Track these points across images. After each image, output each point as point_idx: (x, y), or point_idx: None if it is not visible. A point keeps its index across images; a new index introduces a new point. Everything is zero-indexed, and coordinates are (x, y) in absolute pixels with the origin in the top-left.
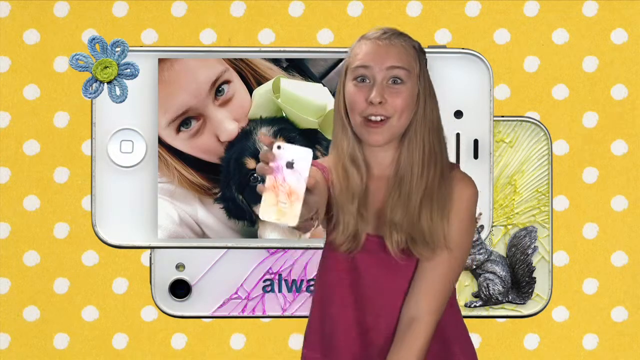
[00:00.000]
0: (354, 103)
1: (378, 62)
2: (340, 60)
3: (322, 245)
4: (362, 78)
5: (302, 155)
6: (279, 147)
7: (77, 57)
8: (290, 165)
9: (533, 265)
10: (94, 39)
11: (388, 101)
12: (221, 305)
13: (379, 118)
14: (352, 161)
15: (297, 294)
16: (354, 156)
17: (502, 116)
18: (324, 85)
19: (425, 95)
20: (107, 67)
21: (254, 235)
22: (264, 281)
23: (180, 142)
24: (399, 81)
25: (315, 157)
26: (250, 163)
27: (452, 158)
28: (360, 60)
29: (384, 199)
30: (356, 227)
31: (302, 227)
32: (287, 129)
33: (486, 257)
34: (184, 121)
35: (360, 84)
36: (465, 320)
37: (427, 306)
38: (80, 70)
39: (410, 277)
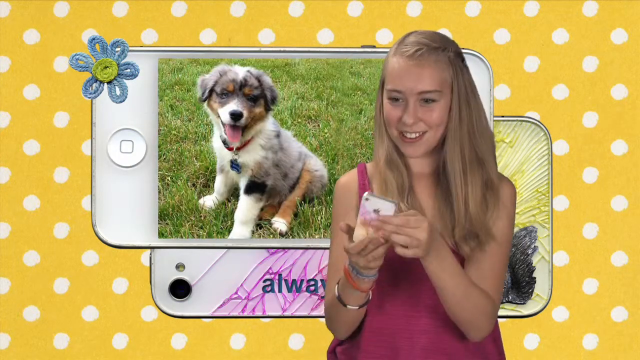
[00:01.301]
0: (389, 119)
1: (409, 86)
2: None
3: (320, 245)
4: (395, 98)
5: (386, 207)
6: (366, 199)
7: (77, 57)
8: (377, 212)
9: (533, 265)
10: (94, 39)
11: (422, 119)
12: (221, 305)
13: (414, 135)
14: (389, 166)
15: (297, 294)
16: (392, 160)
17: (502, 116)
18: None
19: (460, 102)
20: (107, 67)
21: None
22: (264, 281)
23: None
24: (431, 101)
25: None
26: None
27: None
28: (392, 83)
29: (432, 198)
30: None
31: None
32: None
33: None
34: None
35: (394, 102)
36: None
37: (492, 286)
38: (80, 70)
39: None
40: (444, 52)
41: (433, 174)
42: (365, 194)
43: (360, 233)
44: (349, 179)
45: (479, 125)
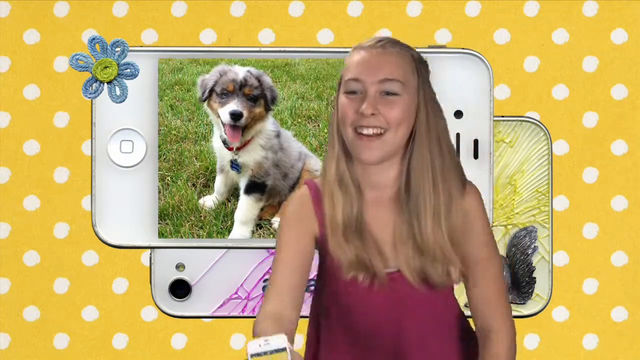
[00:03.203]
0: (344, 115)
1: (370, 74)
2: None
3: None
4: (353, 91)
5: None
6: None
7: (77, 57)
8: None
9: (533, 265)
10: (94, 39)
11: (381, 112)
12: (221, 305)
13: (371, 131)
14: (339, 184)
15: None
16: (342, 178)
17: (502, 116)
18: None
19: (427, 107)
20: (107, 67)
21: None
22: (264, 281)
23: None
24: (393, 93)
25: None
26: None
27: None
28: (351, 72)
29: (390, 226)
30: (363, 261)
31: None
32: None
33: None
34: None
35: (351, 96)
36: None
37: (498, 311)
38: (80, 70)
39: (435, 310)
40: (407, 50)
41: (392, 196)
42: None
43: None
44: (301, 195)
45: (447, 137)
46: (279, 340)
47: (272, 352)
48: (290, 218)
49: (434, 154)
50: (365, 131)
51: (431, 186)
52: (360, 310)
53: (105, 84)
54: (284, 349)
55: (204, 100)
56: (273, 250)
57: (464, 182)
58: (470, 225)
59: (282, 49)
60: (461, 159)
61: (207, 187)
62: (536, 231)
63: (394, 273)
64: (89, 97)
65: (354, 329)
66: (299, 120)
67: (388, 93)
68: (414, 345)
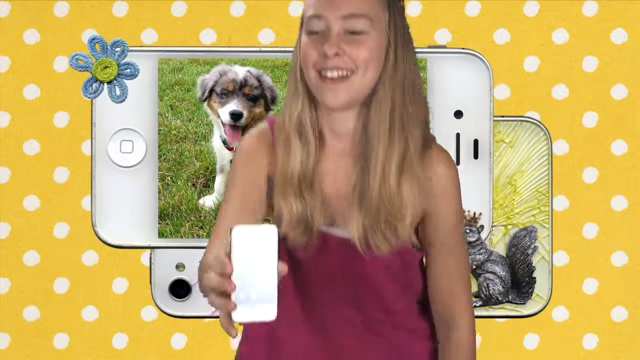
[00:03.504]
0: (306, 56)
1: (332, 9)
2: None
3: None
4: (315, 31)
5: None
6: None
7: (77, 57)
8: None
9: (533, 265)
10: (94, 39)
11: (347, 52)
12: None
13: (336, 74)
14: (299, 131)
15: None
16: (302, 124)
17: (502, 116)
18: None
19: (397, 47)
20: (107, 67)
21: None
22: None
23: None
24: (359, 32)
25: None
26: None
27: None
28: (313, 8)
29: (346, 180)
30: (305, 217)
31: None
32: None
33: (486, 257)
34: None
35: (313, 35)
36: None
37: (462, 303)
38: (80, 70)
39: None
40: None
41: (352, 147)
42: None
43: None
44: (261, 131)
45: (415, 82)
46: (269, 227)
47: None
48: (246, 154)
49: (396, 102)
50: (329, 74)
51: (386, 138)
52: (308, 265)
53: (105, 84)
54: (273, 230)
55: (204, 100)
56: None
57: (427, 143)
58: (435, 205)
59: (282, 49)
60: (461, 159)
61: (207, 187)
62: (536, 231)
63: (340, 238)
64: (89, 97)
65: (303, 281)
66: None
67: (354, 32)
68: (373, 303)
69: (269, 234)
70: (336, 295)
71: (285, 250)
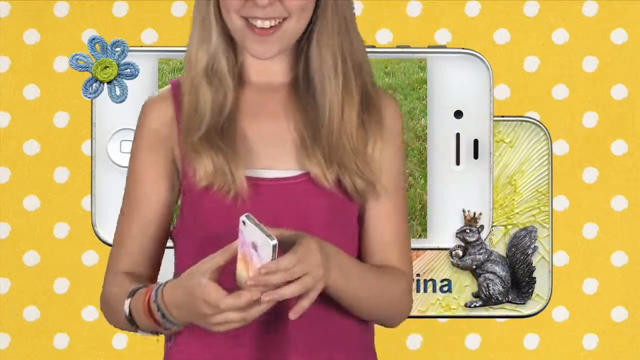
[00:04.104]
0: (229, 2)
1: None
2: None
3: None
4: None
5: (263, 243)
6: (244, 223)
7: (77, 57)
8: (254, 246)
9: (533, 265)
10: (94, 39)
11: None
12: None
13: (268, 24)
14: (207, 75)
15: None
16: (215, 68)
17: (502, 116)
18: None
19: None
20: (107, 67)
21: None
22: None
23: None
24: None
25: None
26: None
27: (452, 158)
28: None
29: (279, 118)
30: (223, 170)
31: None
32: None
33: (486, 257)
34: None
35: None
36: (465, 320)
37: (399, 252)
38: (80, 70)
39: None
40: None
41: (286, 83)
42: (243, 216)
43: (242, 273)
44: (161, 98)
45: (353, 19)
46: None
47: (262, 229)
48: (146, 132)
49: (342, 36)
50: (259, 23)
51: (340, 75)
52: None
53: (105, 84)
54: (273, 242)
55: None
56: None
57: (374, 80)
58: (383, 143)
59: None
60: (461, 159)
61: None
62: (536, 231)
63: (275, 180)
64: (89, 97)
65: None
66: None
67: None
68: None
69: (267, 244)
70: None
71: (214, 207)
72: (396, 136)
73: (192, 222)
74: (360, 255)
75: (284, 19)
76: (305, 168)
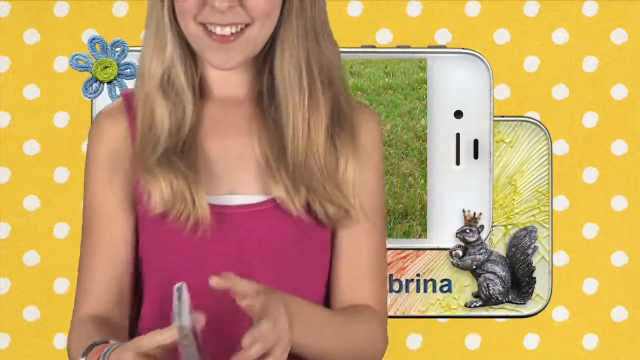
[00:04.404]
0: (184, 6)
1: None
2: None
3: None
4: None
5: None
6: (178, 296)
7: (77, 57)
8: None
9: (533, 265)
10: (94, 39)
11: (242, 3)
12: None
13: (228, 30)
14: (163, 88)
15: None
16: (170, 80)
17: (502, 116)
18: None
19: None
20: (107, 67)
21: None
22: None
23: None
24: None
25: None
26: None
27: (452, 158)
28: None
29: (243, 137)
30: (182, 194)
31: None
32: None
33: (486, 257)
34: None
35: None
36: (465, 320)
37: (371, 286)
38: (80, 70)
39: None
40: None
41: (249, 97)
42: (176, 286)
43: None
44: (112, 111)
45: (325, 26)
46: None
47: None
48: (97, 155)
49: (310, 43)
50: (219, 30)
51: (305, 87)
52: (202, 247)
53: (105, 84)
54: (188, 326)
55: None
56: None
57: (349, 93)
58: (361, 164)
59: None
60: (461, 159)
61: None
62: (536, 231)
63: (239, 207)
64: (89, 97)
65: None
66: None
67: None
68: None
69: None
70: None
71: (172, 238)
72: (373, 153)
73: (150, 251)
74: (330, 288)
75: (247, 25)
76: (270, 193)
